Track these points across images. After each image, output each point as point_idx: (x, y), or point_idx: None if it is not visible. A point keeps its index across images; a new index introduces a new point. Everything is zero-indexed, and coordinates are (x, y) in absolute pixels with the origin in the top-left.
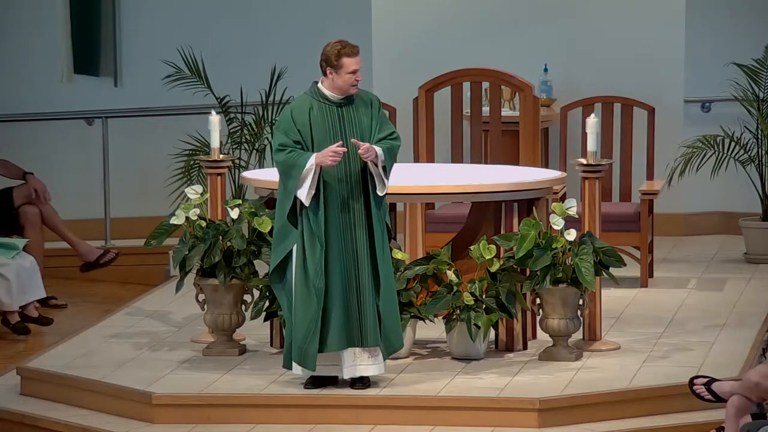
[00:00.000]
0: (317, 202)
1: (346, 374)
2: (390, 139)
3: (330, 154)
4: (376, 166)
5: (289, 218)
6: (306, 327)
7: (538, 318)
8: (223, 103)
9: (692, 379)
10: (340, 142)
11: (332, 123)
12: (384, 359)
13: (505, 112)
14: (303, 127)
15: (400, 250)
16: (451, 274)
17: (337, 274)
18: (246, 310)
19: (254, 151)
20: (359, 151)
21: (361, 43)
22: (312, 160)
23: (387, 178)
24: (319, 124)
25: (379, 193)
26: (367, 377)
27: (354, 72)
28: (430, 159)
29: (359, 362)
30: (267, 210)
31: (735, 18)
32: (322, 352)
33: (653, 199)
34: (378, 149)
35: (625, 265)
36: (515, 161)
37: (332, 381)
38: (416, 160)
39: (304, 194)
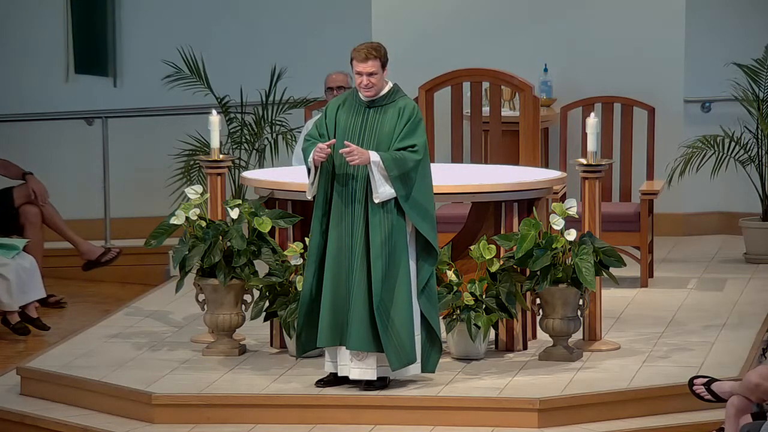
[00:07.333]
0: (324, 197)
1: (327, 368)
2: (407, 150)
3: (317, 150)
4: (375, 171)
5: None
6: (300, 311)
7: (538, 318)
8: (223, 103)
9: (692, 379)
10: (333, 141)
11: (354, 123)
12: (393, 368)
13: (505, 112)
14: (330, 122)
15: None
16: (451, 274)
17: (331, 272)
18: (246, 310)
19: (254, 151)
20: (340, 150)
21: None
22: (311, 155)
23: (392, 188)
24: (342, 121)
25: (375, 200)
26: (381, 379)
27: (359, 74)
28: (431, 159)
29: (342, 362)
30: (267, 210)
31: (735, 18)
32: (314, 348)
33: (653, 199)
34: (374, 155)
35: (625, 265)
36: (515, 161)
37: (344, 381)
38: None
39: (307, 187)
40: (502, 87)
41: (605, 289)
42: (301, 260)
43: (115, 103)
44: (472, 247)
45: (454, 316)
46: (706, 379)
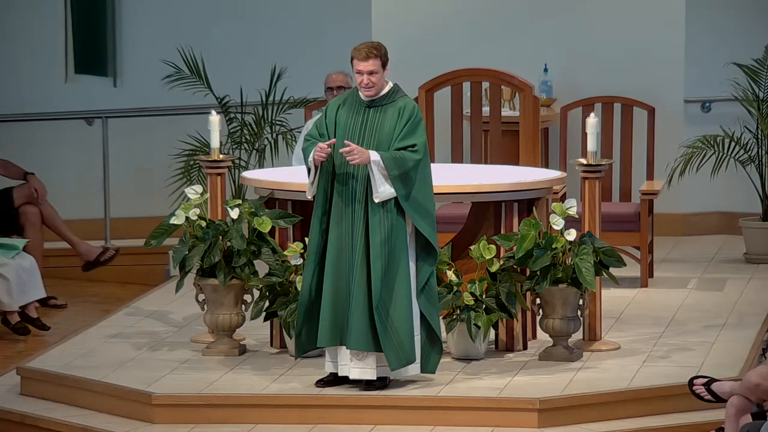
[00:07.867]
0: (324, 196)
1: (327, 368)
2: (407, 150)
3: (317, 149)
4: (375, 171)
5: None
6: (299, 311)
7: (538, 318)
8: (223, 103)
9: (692, 379)
10: (333, 140)
11: (354, 123)
12: (392, 368)
13: (505, 112)
14: (330, 122)
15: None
16: (451, 274)
17: (331, 271)
18: (246, 310)
19: (254, 151)
20: (341, 149)
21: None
22: (311, 155)
23: (392, 187)
24: (342, 122)
25: (375, 200)
26: (381, 379)
27: (360, 73)
28: (431, 159)
29: (342, 362)
30: (267, 210)
31: (735, 18)
32: (314, 348)
33: (653, 199)
34: (374, 154)
35: (625, 265)
36: (515, 161)
37: (344, 381)
38: None
39: (307, 187)
40: (502, 87)
41: (605, 289)
42: (301, 260)
43: (115, 103)
44: (472, 247)
45: (454, 316)
46: (706, 379)
